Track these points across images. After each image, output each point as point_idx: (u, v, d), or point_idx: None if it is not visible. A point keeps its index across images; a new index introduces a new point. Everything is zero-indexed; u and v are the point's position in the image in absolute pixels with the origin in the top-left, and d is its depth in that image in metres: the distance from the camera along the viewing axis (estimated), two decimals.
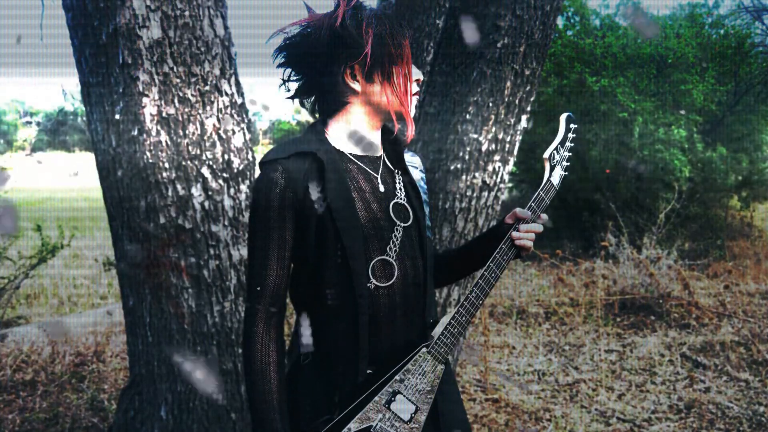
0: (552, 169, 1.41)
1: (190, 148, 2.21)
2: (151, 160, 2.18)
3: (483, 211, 2.52)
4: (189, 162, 2.21)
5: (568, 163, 1.46)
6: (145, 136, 2.16)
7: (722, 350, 4.21)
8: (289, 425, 1.27)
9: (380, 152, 1.38)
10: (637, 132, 6.88)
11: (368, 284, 1.26)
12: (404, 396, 1.25)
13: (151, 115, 2.15)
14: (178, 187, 2.21)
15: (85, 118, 2.35)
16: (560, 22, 7.93)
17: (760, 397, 3.52)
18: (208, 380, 2.17)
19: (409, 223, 1.34)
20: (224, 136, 2.28)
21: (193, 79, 2.19)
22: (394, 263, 1.29)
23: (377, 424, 1.22)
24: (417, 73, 1.34)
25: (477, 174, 2.46)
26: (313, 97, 1.37)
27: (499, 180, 2.52)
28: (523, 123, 2.53)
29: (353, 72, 1.28)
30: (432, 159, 2.47)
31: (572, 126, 1.44)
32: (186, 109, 2.19)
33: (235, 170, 2.31)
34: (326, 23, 1.26)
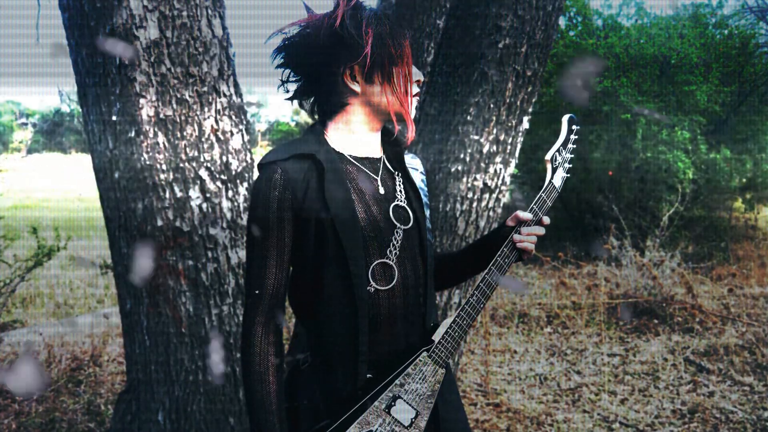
0: (554, 170, 1.39)
1: (187, 149, 2.19)
2: (148, 162, 2.15)
3: (484, 213, 2.50)
4: (187, 164, 2.19)
5: (570, 165, 1.43)
6: (142, 137, 2.14)
7: (726, 354, 4.18)
8: (288, 430, 1.25)
9: (380, 154, 1.36)
10: (639, 133, 6.85)
11: (368, 287, 1.24)
12: (404, 401, 1.23)
13: (148, 116, 2.13)
14: (176, 189, 2.19)
15: (81, 120, 2.33)
16: (562, 22, 7.91)
17: (765, 401, 3.49)
18: None
19: (410, 225, 1.32)
20: (222, 138, 2.25)
21: (191, 80, 2.17)
22: (394, 266, 1.27)
23: (377, 429, 1.20)
24: (417, 74, 1.32)
25: (478, 176, 2.44)
26: (312, 98, 1.36)
27: (500, 182, 2.50)
28: (525, 124, 2.51)
29: (353, 73, 1.26)
30: (432, 161, 2.45)
31: (574, 127, 1.42)
32: (184, 111, 2.16)
33: (234, 172, 2.29)
34: (326, 23, 1.25)
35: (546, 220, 1.36)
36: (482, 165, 2.43)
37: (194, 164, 2.20)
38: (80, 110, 2.29)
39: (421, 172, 1.46)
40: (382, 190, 1.31)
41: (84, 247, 7.36)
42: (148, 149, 2.14)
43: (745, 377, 3.81)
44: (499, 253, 1.30)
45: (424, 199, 1.40)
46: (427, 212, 1.40)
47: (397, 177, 1.36)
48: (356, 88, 1.27)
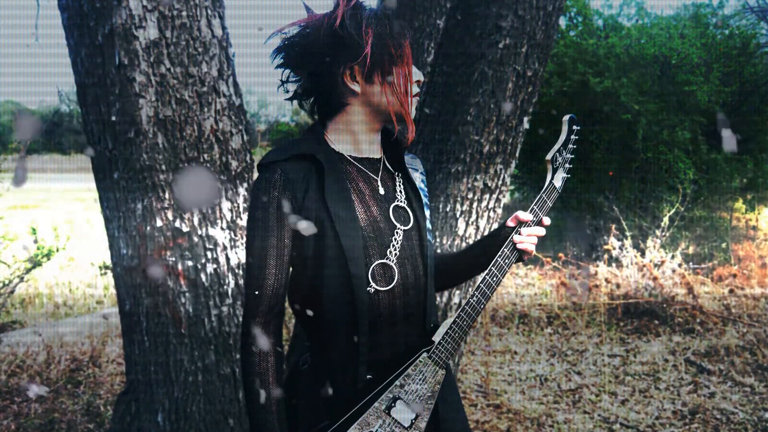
0: (554, 171, 1.38)
1: (187, 149, 2.18)
2: (147, 162, 2.15)
3: (484, 213, 2.49)
4: (187, 164, 2.18)
5: (571, 166, 1.43)
6: (141, 137, 2.13)
7: (727, 355, 4.17)
8: (287, 430, 1.24)
9: (380, 154, 1.35)
10: (640, 134, 6.85)
11: (368, 288, 1.23)
12: (404, 402, 1.23)
13: (147, 116, 2.12)
14: (176, 189, 2.18)
15: (80, 120, 2.32)
16: (563, 22, 7.91)
17: (766, 402, 3.48)
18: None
19: (410, 226, 1.31)
20: (222, 138, 2.25)
21: (190, 80, 2.16)
22: (394, 267, 1.26)
23: (377, 430, 1.20)
24: (417, 74, 1.32)
25: (478, 176, 2.43)
26: (312, 99, 1.35)
27: (500, 182, 2.49)
28: (525, 124, 2.50)
29: (353, 73, 1.26)
30: (433, 161, 2.44)
31: (575, 128, 1.42)
32: (183, 111, 2.16)
33: (233, 172, 2.28)
34: (326, 24, 1.24)
35: (546, 220, 1.36)
36: (482, 165, 2.43)
37: (194, 164, 2.19)
38: (79, 110, 2.29)
39: (421, 173, 1.46)
40: (382, 191, 1.31)
41: (84, 247, 7.35)
42: (148, 149, 2.14)
43: (745, 378, 3.80)
44: (499, 253, 1.30)
45: (425, 200, 1.39)
46: (427, 213, 1.39)
47: (397, 177, 1.36)
48: (356, 88, 1.27)
